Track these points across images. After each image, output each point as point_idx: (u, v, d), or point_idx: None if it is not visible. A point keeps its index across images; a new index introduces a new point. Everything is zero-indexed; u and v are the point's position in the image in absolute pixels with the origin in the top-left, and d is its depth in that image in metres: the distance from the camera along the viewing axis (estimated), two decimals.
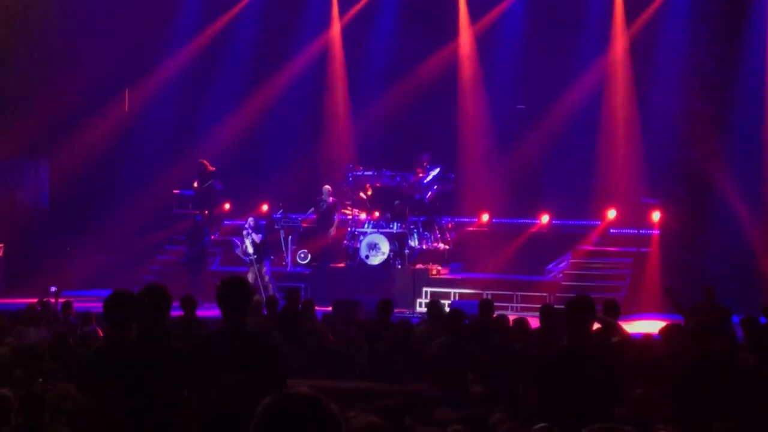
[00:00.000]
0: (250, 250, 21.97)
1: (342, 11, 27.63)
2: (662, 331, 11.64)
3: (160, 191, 25.88)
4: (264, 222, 22.59)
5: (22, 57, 24.73)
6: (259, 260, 21.98)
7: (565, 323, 7.73)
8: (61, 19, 24.95)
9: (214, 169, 25.29)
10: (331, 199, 23.98)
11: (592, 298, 7.83)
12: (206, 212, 25.44)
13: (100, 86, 25.81)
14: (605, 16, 25.38)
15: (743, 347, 11.67)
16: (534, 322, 13.30)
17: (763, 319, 14.21)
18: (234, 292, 7.16)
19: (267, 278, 21.96)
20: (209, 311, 16.68)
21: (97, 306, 19.58)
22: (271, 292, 20.87)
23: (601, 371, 7.37)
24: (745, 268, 21.82)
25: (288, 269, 23.82)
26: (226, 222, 26.77)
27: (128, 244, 25.26)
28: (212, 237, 24.91)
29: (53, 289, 16.43)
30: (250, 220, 22.31)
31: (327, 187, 24.18)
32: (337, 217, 24.12)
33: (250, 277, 21.59)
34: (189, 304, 13.79)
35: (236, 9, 27.65)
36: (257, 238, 22.10)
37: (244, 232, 22.18)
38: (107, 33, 25.41)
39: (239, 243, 23.37)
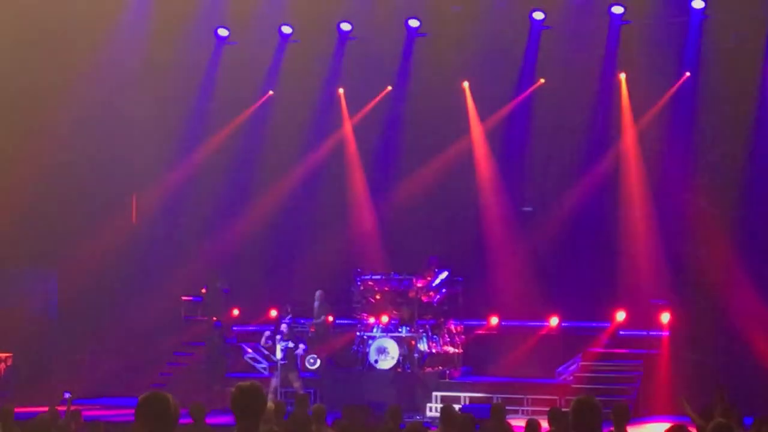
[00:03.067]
0: (279, 355, 21.76)
1: (353, 111, 27.85)
2: None
3: (168, 297, 25.90)
4: (285, 326, 22.30)
5: (30, 166, 24.92)
6: (288, 367, 21.72)
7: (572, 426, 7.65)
8: (68, 128, 25.22)
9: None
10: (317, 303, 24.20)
11: (596, 399, 7.77)
12: (214, 318, 25.48)
13: (107, 194, 26.02)
14: (612, 114, 25.58)
15: None
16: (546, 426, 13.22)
17: None
18: (250, 398, 7.13)
19: (299, 383, 21.72)
20: (216, 418, 16.62)
21: (105, 414, 19.62)
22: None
23: None
24: (757, 368, 21.69)
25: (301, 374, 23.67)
26: (234, 327, 26.72)
27: (138, 351, 25.21)
28: (234, 340, 24.99)
29: (67, 395, 16.38)
30: (284, 325, 22.09)
31: (319, 292, 24.32)
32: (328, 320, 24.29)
33: (274, 382, 21.47)
34: (198, 412, 13.71)
35: (246, 113, 27.94)
36: (301, 348, 22.06)
37: (278, 338, 22.00)
38: (115, 141, 25.66)
39: (253, 348, 23.45)
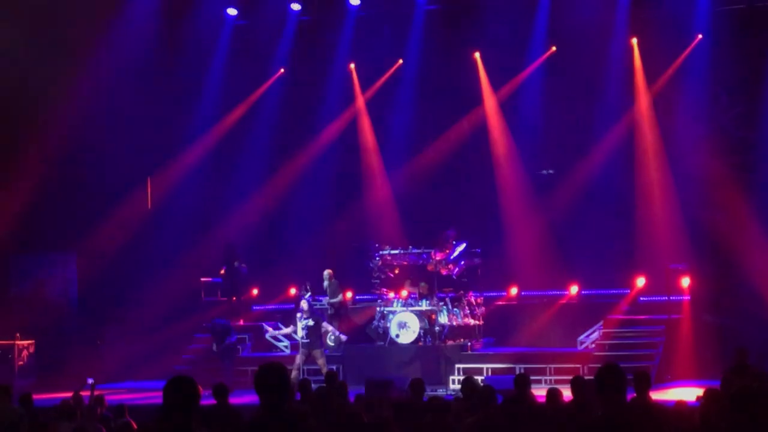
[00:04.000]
0: (301, 334, 21.74)
1: (365, 86, 27.82)
2: (700, 397, 11.54)
3: (187, 278, 25.99)
4: (305, 304, 22.22)
5: (45, 152, 24.95)
6: (312, 345, 21.70)
7: (595, 394, 7.62)
8: (82, 114, 25.22)
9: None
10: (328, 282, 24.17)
11: (619, 366, 7.76)
12: (234, 299, 25.52)
13: (123, 177, 26.05)
14: (625, 79, 25.50)
15: None
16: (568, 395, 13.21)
17: None
18: (273, 378, 7.14)
19: (322, 360, 21.73)
20: (240, 398, 16.68)
21: (129, 398, 19.70)
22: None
23: None
24: None
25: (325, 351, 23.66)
26: (254, 307, 26.79)
27: (159, 334, 25.26)
28: (240, 323, 24.96)
29: (90, 381, 16.43)
30: (304, 303, 22.05)
31: (327, 271, 24.23)
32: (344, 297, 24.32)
33: (298, 360, 21.50)
34: (222, 392, 13.73)
35: (258, 92, 27.96)
36: (328, 327, 22.09)
37: (299, 315, 21.98)
38: (128, 124, 25.68)
39: (271, 328, 23.44)
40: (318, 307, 23.97)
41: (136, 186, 27.04)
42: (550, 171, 26.32)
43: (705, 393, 11.63)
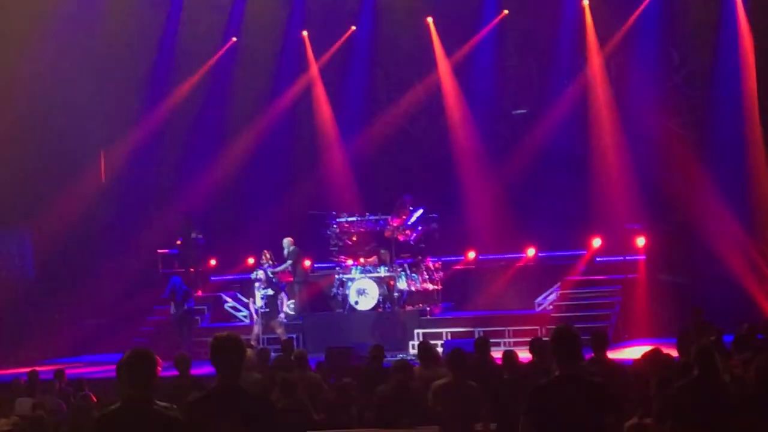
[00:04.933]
0: (260, 303, 21.74)
1: (318, 54, 27.70)
2: (644, 357, 11.67)
3: (144, 251, 25.88)
4: (263, 274, 22.20)
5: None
6: (270, 314, 21.73)
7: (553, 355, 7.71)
8: (33, 87, 24.98)
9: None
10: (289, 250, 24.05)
11: (574, 326, 7.85)
12: (192, 269, 25.40)
13: (76, 152, 25.84)
14: (577, 41, 25.55)
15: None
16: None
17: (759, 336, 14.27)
18: (229, 349, 7.14)
19: (281, 329, 21.80)
20: (199, 369, 16.65)
21: (88, 371, 19.62)
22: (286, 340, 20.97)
23: (593, 401, 7.35)
24: (732, 287, 21.88)
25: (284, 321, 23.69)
26: (212, 278, 26.72)
27: (117, 307, 25.17)
28: (199, 294, 24.91)
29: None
30: (261, 273, 22.02)
31: (287, 239, 24.15)
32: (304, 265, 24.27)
33: (257, 329, 21.49)
34: (183, 364, 13.72)
35: (211, 61, 27.78)
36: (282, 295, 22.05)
37: (256, 284, 21.97)
38: (79, 98, 25.46)
39: (233, 297, 23.44)
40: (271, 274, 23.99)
41: (90, 160, 26.80)
42: (523, 111, 26.31)
43: (648, 352, 11.77)
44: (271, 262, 22.62)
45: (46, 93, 25.22)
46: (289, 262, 23.76)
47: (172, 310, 22.69)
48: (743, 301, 21.52)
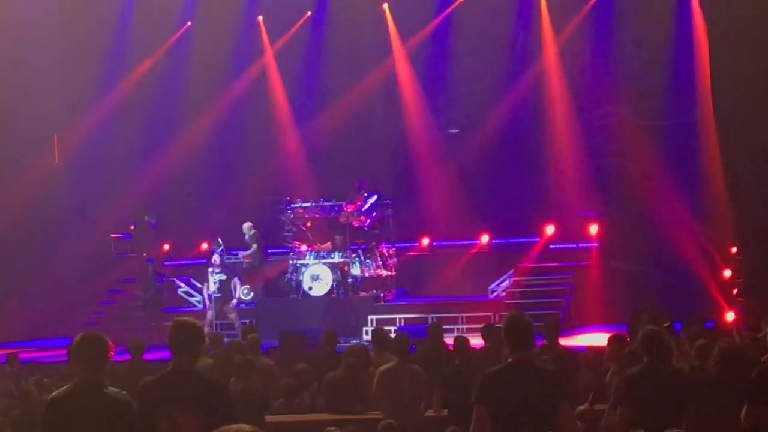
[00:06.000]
0: (213, 288, 21.76)
1: (273, 39, 27.62)
2: (608, 341, 11.80)
3: (98, 235, 25.73)
4: (217, 258, 22.22)
5: None
6: (223, 300, 21.76)
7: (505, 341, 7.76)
8: None
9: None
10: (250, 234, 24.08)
11: (525, 313, 7.90)
12: (144, 254, 25.29)
13: (29, 135, 25.64)
14: (533, 29, 25.65)
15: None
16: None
17: (707, 324, 14.44)
18: (186, 333, 7.14)
19: (234, 314, 21.84)
20: (155, 354, 16.61)
21: (40, 356, 19.51)
22: (237, 328, 20.98)
23: (545, 387, 7.41)
24: (684, 275, 22.08)
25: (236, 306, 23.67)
26: (165, 263, 26.60)
27: (70, 291, 25.01)
28: (165, 278, 24.88)
29: None
30: (216, 257, 22.03)
31: (247, 223, 24.17)
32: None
33: (209, 315, 21.52)
34: (137, 348, 13.71)
35: (166, 45, 27.63)
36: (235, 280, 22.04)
37: (210, 269, 21.98)
38: (32, 81, 25.25)
39: (186, 282, 23.41)
40: (231, 261, 23.97)
41: (44, 143, 26.59)
42: (456, 130, 26.47)
43: (610, 338, 11.90)
44: (222, 247, 22.61)
45: (0, 76, 24.99)
46: (255, 246, 23.86)
47: (141, 292, 22.83)
48: (695, 289, 21.70)
